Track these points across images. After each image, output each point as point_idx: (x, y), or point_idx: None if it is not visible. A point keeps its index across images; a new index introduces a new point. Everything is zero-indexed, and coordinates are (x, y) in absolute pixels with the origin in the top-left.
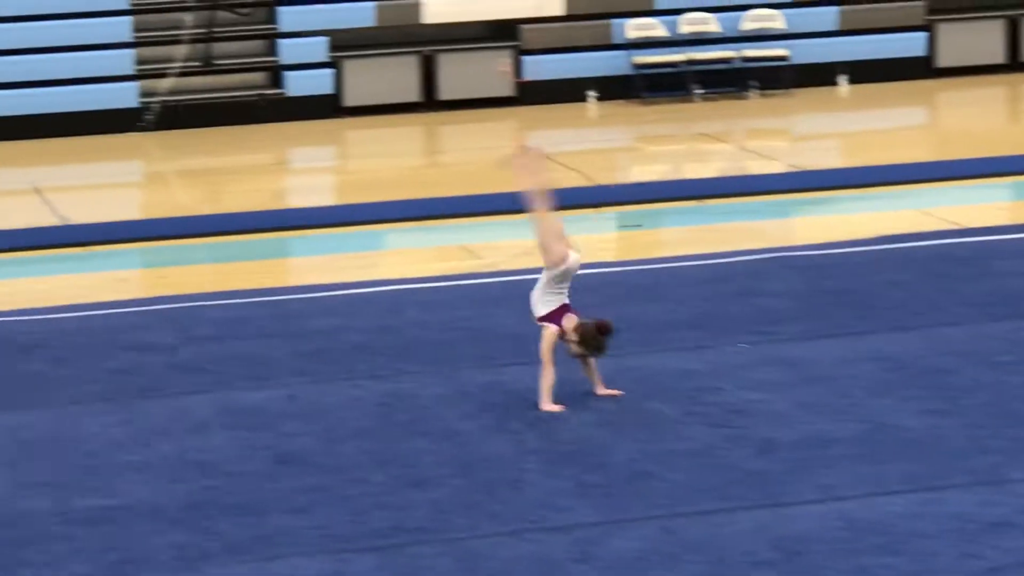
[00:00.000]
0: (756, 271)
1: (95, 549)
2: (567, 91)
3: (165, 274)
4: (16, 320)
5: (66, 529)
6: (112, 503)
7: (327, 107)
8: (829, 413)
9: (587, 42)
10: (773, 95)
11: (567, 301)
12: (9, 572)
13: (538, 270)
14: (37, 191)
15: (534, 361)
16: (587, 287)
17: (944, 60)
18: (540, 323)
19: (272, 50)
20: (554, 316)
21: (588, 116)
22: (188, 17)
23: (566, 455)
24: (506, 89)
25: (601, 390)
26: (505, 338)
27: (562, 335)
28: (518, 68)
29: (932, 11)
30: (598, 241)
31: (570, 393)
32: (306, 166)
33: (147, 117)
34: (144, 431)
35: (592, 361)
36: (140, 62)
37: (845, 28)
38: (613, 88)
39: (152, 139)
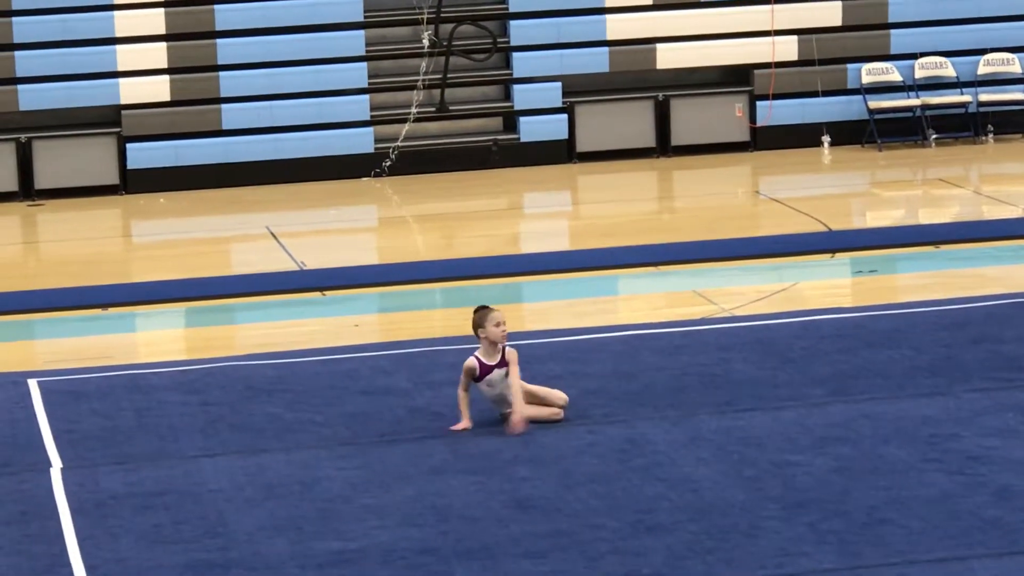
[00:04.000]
0: (994, 316)
1: None
2: (801, 136)
3: (400, 319)
4: (255, 364)
5: (303, 572)
6: (349, 546)
7: (560, 152)
8: None
9: (821, 87)
10: (1009, 139)
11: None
12: None
13: (774, 315)
14: (274, 236)
15: (771, 407)
16: (821, 334)
17: None
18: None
19: (506, 95)
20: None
21: (822, 161)
22: (423, 63)
23: (803, 501)
24: (740, 134)
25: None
26: (741, 383)
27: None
28: (752, 113)
29: None
30: (833, 287)
31: (806, 439)
32: (539, 211)
33: (386, 164)
34: (381, 475)
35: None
36: (375, 108)
37: None
38: (847, 133)
39: (386, 184)
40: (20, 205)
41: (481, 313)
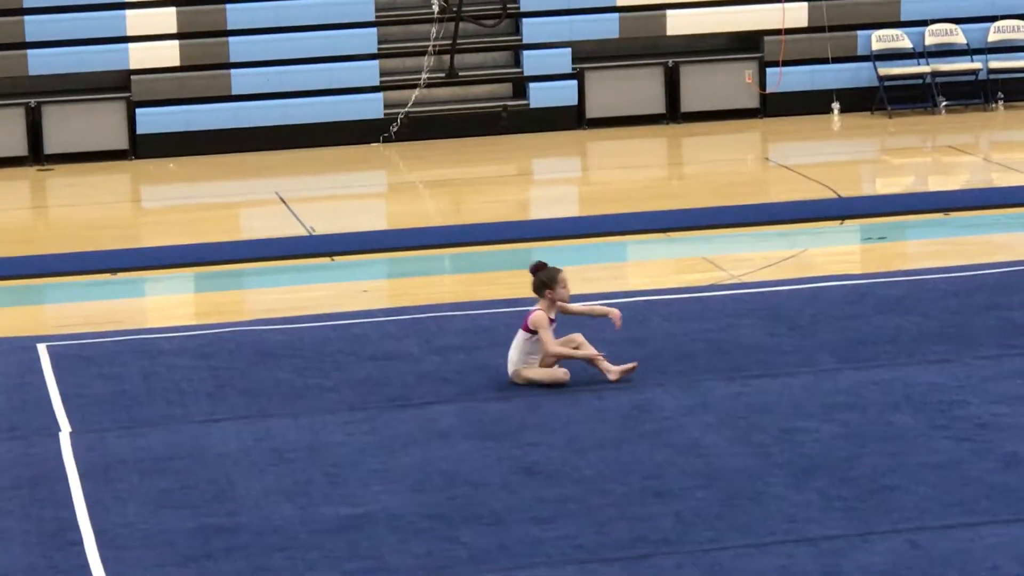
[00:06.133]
0: (1003, 284)
1: (340, 557)
2: (810, 102)
3: (409, 284)
4: (264, 329)
5: (312, 537)
6: (357, 511)
7: (570, 118)
8: None
9: (831, 53)
10: (1019, 107)
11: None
12: None
13: (783, 281)
14: (283, 201)
15: (779, 373)
16: (831, 299)
17: None
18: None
19: (516, 61)
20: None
21: (832, 128)
22: (433, 29)
23: (811, 468)
24: (750, 100)
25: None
26: (750, 350)
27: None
28: (762, 79)
29: None
30: (843, 253)
31: (814, 406)
32: (549, 177)
33: (393, 128)
34: (389, 440)
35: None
36: (385, 73)
37: None
38: (857, 99)
39: (395, 150)
40: (30, 170)
41: (550, 272)
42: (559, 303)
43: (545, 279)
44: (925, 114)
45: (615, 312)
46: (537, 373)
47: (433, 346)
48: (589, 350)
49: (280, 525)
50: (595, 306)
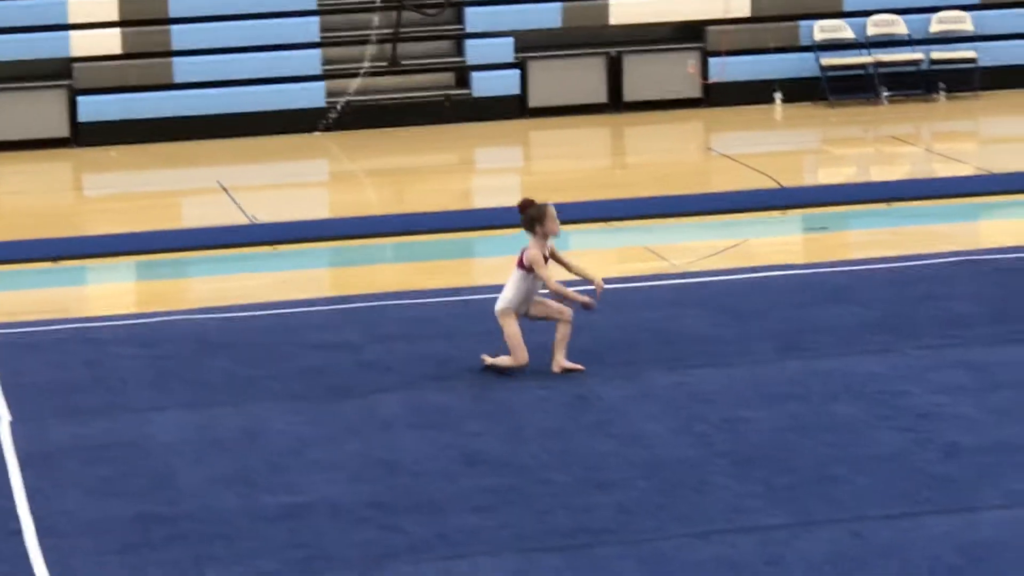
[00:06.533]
0: (944, 275)
1: (282, 546)
2: (753, 92)
3: (351, 273)
4: (205, 318)
5: (253, 525)
6: (299, 500)
7: (512, 108)
8: (1017, 418)
9: (774, 44)
10: (961, 97)
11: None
12: (197, 567)
13: (725, 271)
14: (224, 190)
15: (722, 363)
16: (773, 289)
17: None
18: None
19: (458, 50)
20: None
21: (774, 118)
22: (375, 17)
23: (753, 458)
24: (692, 90)
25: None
26: (691, 340)
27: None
28: (704, 69)
29: None
30: (784, 243)
31: (756, 396)
32: (491, 167)
33: (331, 116)
34: (331, 429)
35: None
36: (327, 62)
37: None
38: (799, 90)
39: (338, 139)
40: None
41: (538, 208)
42: (550, 241)
43: (534, 215)
44: (867, 104)
45: (599, 282)
46: (513, 331)
47: (375, 335)
48: (583, 296)
49: (221, 514)
50: (583, 266)
